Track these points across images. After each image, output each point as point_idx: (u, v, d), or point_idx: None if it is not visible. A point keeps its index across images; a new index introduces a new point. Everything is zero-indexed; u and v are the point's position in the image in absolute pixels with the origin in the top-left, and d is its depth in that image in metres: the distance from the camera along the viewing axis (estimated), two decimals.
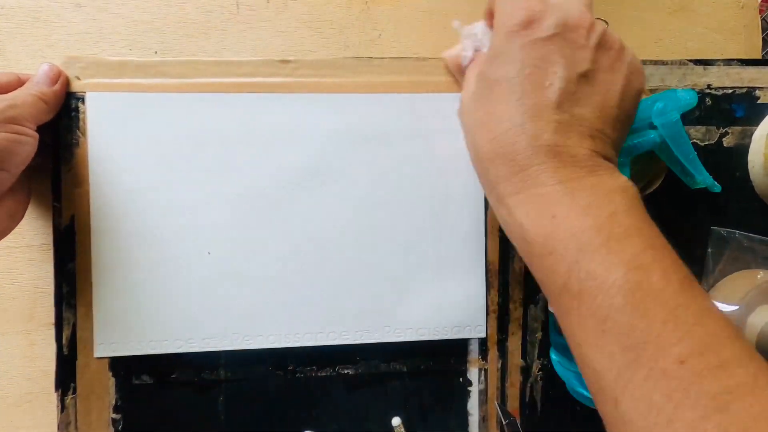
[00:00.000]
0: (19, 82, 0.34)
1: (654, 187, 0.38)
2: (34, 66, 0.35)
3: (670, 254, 0.25)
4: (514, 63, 0.27)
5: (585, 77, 0.27)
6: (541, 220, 0.26)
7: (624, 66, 0.28)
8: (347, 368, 0.38)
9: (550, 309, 0.38)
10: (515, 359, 0.39)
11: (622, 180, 0.27)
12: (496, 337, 0.38)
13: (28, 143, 0.31)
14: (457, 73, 0.35)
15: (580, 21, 0.27)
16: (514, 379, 0.39)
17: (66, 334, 0.36)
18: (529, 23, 0.27)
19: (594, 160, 0.27)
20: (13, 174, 0.31)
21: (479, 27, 0.33)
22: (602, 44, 0.28)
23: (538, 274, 0.27)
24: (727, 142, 0.40)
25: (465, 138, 0.31)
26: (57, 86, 0.34)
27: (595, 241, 0.24)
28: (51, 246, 0.36)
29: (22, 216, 0.35)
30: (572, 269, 0.25)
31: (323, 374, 0.38)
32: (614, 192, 0.26)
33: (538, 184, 0.26)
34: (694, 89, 0.36)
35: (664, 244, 0.25)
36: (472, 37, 0.33)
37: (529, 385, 0.39)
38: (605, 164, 0.27)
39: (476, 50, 0.33)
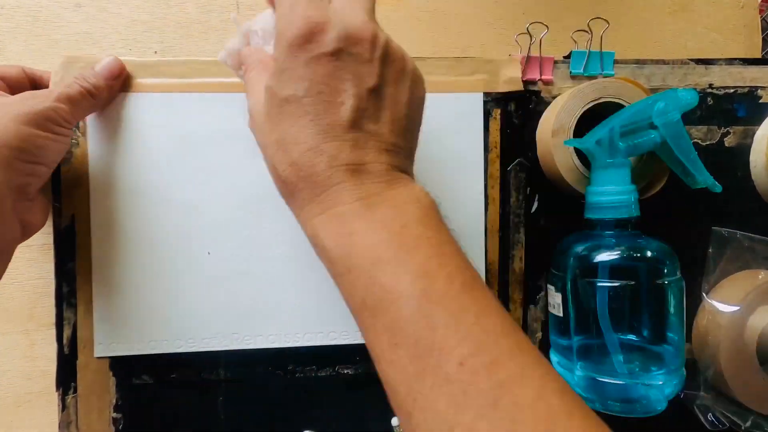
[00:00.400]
0: (25, 75, 0.34)
1: (656, 189, 0.38)
2: (34, 66, 0.35)
3: (457, 258, 0.25)
4: (302, 81, 0.26)
5: (374, 92, 0.27)
6: (340, 238, 0.26)
7: (407, 77, 0.28)
8: (347, 368, 0.38)
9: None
10: None
11: (417, 190, 0.27)
12: None
13: (65, 141, 0.33)
14: (235, 72, 0.33)
15: (363, 33, 0.26)
16: None
17: (66, 333, 0.36)
18: (310, 36, 0.26)
19: (391, 174, 0.27)
20: (51, 168, 0.33)
21: (262, 20, 0.31)
22: (386, 57, 0.27)
23: (343, 294, 0.27)
24: (728, 141, 0.40)
25: (263, 156, 0.29)
26: (114, 82, 0.35)
27: (387, 254, 0.24)
28: (51, 246, 0.36)
29: (50, 209, 0.35)
30: (368, 285, 0.24)
31: (323, 374, 0.38)
32: (408, 203, 0.26)
33: (338, 203, 0.26)
34: (695, 89, 0.35)
35: (453, 250, 0.25)
36: (251, 34, 0.31)
37: None
38: (402, 176, 0.27)
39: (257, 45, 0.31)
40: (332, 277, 0.27)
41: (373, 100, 0.27)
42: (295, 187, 0.27)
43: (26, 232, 0.33)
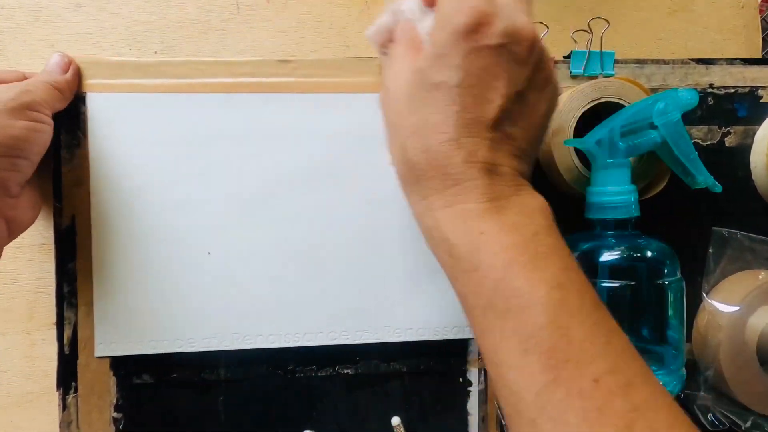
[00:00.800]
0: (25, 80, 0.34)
1: (657, 190, 0.38)
2: (35, 66, 0.35)
3: (582, 275, 0.25)
4: (458, 70, 0.26)
5: (520, 95, 0.27)
6: (469, 236, 0.26)
7: (551, 87, 0.28)
8: (347, 368, 0.38)
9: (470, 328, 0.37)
10: None
11: (541, 200, 0.27)
12: None
13: (46, 131, 0.32)
14: (378, 49, 0.33)
15: (526, 32, 0.26)
16: None
17: (67, 333, 0.36)
18: (478, 26, 0.25)
19: (517, 180, 0.27)
20: (33, 162, 0.32)
21: (408, 3, 0.30)
22: (539, 62, 0.27)
23: (462, 290, 0.27)
24: (729, 142, 0.40)
25: (389, 136, 0.29)
26: (69, 75, 0.34)
27: (521, 259, 0.24)
28: (52, 246, 0.36)
29: (41, 206, 0.35)
30: (498, 287, 0.24)
31: (323, 374, 0.38)
32: (536, 212, 0.26)
33: (469, 200, 0.26)
34: (696, 89, 0.35)
35: (576, 265, 0.26)
36: (398, 13, 0.30)
37: None
38: (526, 184, 0.27)
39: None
40: (449, 272, 0.27)
41: (517, 104, 0.27)
42: (423, 175, 0.27)
43: (12, 230, 0.32)
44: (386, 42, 0.31)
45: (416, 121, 0.27)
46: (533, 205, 0.27)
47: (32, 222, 0.34)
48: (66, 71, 0.34)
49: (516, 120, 0.27)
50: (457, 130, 0.26)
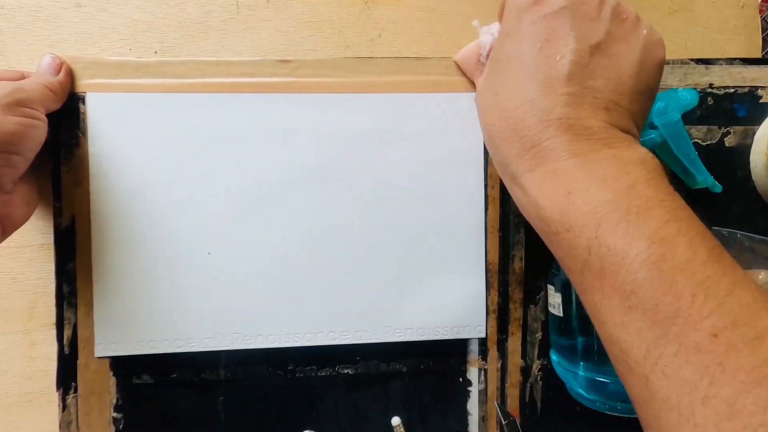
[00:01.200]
0: (23, 79, 0.34)
1: None
2: (35, 66, 0.35)
3: (697, 225, 0.24)
4: (525, 39, 0.27)
5: (598, 49, 0.27)
6: (556, 196, 0.25)
7: (639, 37, 0.28)
8: (347, 368, 0.38)
9: (574, 289, 0.37)
10: (515, 359, 0.39)
11: (642, 151, 0.26)
12: (496, 337, 0.38)
13: (40, 127, 0.32)
14: (470, 72, 0.36)
15: None
16: (514, 379, 0.39)
17: (67, 333, 0.36)
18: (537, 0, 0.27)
19: (610, 132, 0.26)
20: (27, 158, 0.32)
21: (496, 26, 0.33)
22: (615, 15, 0.28)
23: (558, 253, 0.26)
24: (728, 141, 0.40)
25: (480, 121, 0.31)
26: (61, 76, 0.34)
27: (615, 215, 0.23)
28: (51, 246, 0.36)
29: (37, 203, 0.35)
30: (592, 245, 0.24)
31: (323, 374, 0.38)
32: (632, 163, 0.25)
33: (551, 160, 0.26)
34: (695, 88, 0.35)
35: (689, 215, 0.24)
36: (490, 36, 0.33)
37: (529, 385, 0.39)
38: (622, 136, 0.26)
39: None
40: (542, 235, 0.27)
41: (596, 57, 0.27)
42: (503, 141, 0.27)
43: (6, 227, 0.32)
44: (474, 66, 0.35)
45: (493, 93, 0.28)
46: (628, 156, 0.25)
47: (26, 219, 0.34)
48: (58, 72, 0.34)
49: (598, 73, 0.27)
50: (530, 91, 0.26)
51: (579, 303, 0.35)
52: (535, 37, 0.27)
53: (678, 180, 0.36)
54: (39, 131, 0.32)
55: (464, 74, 0.37)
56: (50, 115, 0.33)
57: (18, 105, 0.30)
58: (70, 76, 0.35)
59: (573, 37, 0.27)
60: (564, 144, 0.26)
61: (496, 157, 0.29)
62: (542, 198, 0.26)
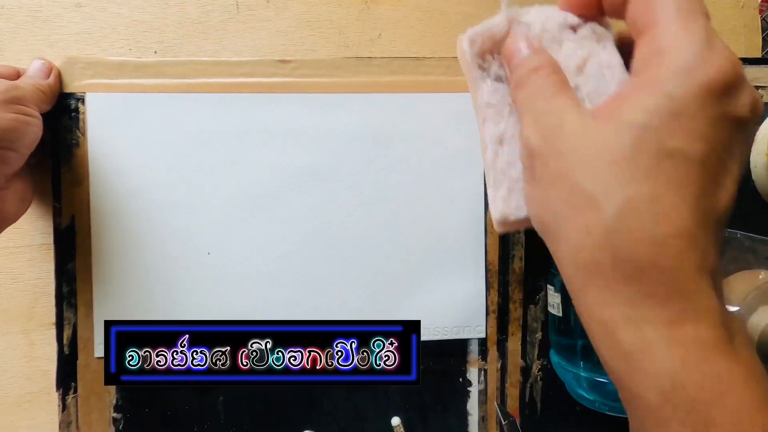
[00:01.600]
0: (18, 76, 0.34)
1: None
2: None
3: None
4: (701, 140, 0.20)
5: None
6: (700, 375, 0.19)
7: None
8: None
9: None
10: (515, 359, 0.39)
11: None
12: (496, 337, 0.38)
13: (35, 124, 0.32)
14: (471, 59, 0.26)
15: (760, 110, 0.21)
16: (514, 379, 0.39)
17: (67, 333, 0.36)
18: (729, 89, 0.20)
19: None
20: (22, 155, 0.32)
21: (542, 15, 0.25)
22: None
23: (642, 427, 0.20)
24: None
25: (551, 203, 0.22)
26: (51, 79, 0.34)
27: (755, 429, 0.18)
28: (51, 246, 0.36)
29: (31, 200, 0.35)
30: None
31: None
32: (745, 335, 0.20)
33: (701, 325, 0.19)
34: None
35: None
36: (517, 24, 0.25)
37: (528, 385, 0.39)
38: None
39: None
40: (651, 418, 0.20)
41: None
42: (638, 274, 0.20)
43: None
44: (486, 52, 0.26)
45: (634, 196, 0.20)
46: (739, 326, 0.20)
47: (20, 215, 0.34)
48: (48, 76, 0.35)
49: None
50: (695, 222, 0.20)
51: None
52: (712, 143, 0.20)
53: None
54: (34, 128, 0.32)
55: (462, 70, 0.29)
56: (45, 116, 0.34)
57: (14, 102, 0.31)
58: (59, 79, 0.35)
59: (738, 162, 0.21)
60: (717, 308, 0.20)
61: (609, 283, 0.21)
62: (680, 368, 0.19)
